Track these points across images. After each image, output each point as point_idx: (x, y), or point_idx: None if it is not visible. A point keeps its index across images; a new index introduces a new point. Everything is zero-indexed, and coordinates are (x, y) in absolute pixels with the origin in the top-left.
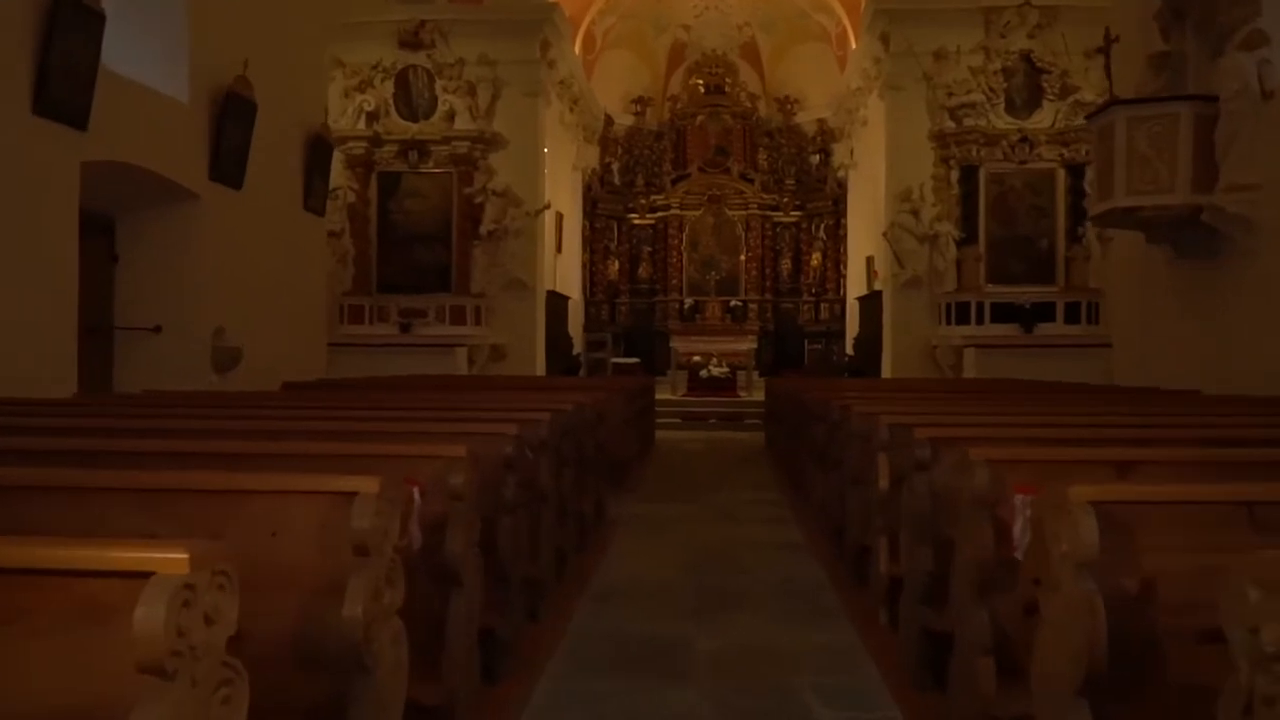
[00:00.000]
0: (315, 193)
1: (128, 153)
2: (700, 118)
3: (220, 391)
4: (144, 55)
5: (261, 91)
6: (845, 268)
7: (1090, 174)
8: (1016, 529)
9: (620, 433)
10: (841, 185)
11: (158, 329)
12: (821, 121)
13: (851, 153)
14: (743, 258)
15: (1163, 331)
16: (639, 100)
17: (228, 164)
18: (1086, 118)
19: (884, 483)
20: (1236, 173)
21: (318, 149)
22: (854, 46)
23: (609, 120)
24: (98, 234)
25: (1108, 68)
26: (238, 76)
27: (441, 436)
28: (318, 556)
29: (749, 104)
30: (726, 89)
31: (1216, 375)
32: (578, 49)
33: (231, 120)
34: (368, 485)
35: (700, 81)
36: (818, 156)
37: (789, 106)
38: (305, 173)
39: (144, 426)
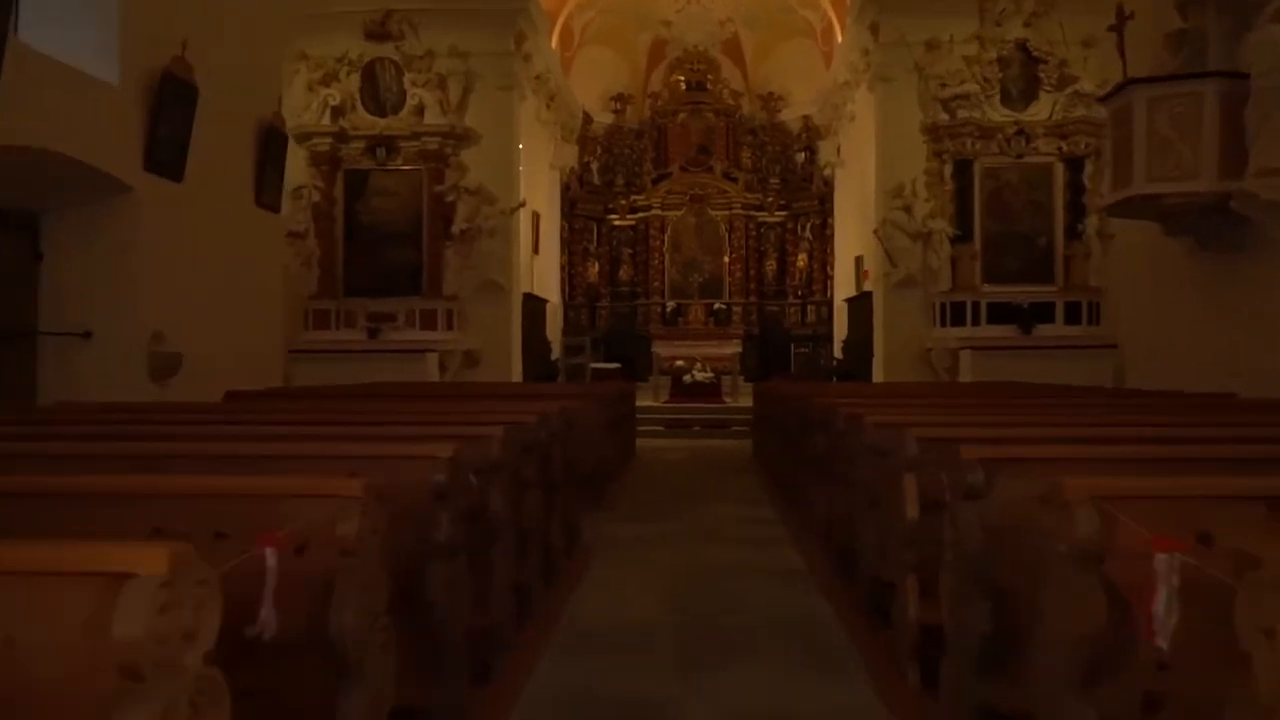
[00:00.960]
0: (269, 188)
1: (47, 137)
2: (682, 115)
3: (147, 403)
4: (68, 32)
5: (205, 75)
6: (832, 269)
7: (1090, 168)
8: (1157, 603)
9: (596, 444)
10: (828, 184)
11: (88, 334)
12: (807, 118)
13: (838, 150)
14: (726, 259)
15: (1181, 330)
16: (619, 98)
17: (165, 154)
18: (1100, 99)
19: (912, 511)
20: (1269, 156)
21: (271, 141)
22: (840, 41)
23: (588, 118)
24: (19, 230)
25: (1121, 47)
26: (175, 57)
27: (355, 462)
28: (77, 677)
29: (732, 101)
30: (709, 86)
31: (1244, 376)
32: (554, 43)
33: (169, 105)
34: (153, 562)
35: (681, 78)
36: (803, 154)
37: (773, 103)
38: (257, 166)
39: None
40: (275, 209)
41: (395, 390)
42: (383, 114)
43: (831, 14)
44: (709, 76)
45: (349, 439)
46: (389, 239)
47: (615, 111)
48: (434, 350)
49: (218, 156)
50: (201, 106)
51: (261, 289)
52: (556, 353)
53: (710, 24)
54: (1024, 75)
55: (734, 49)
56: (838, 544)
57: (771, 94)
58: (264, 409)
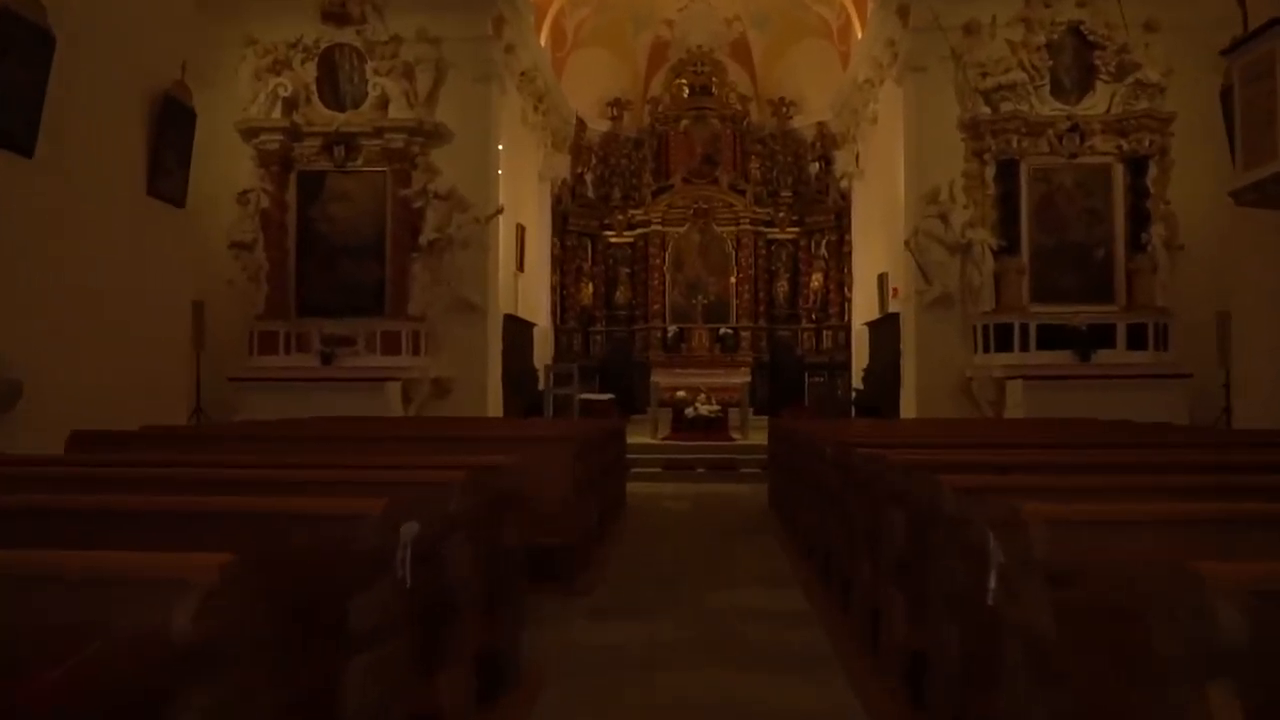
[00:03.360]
0: (168, 174)
1: None
2: (685, 123)
3: None
4: None
5: (65, 21)
6: (850, 290)
7: (1154, 169)
8: None
9: (564, 508)
10: (845, 197)
11: None
12: (821, 125)
13: (857, 158)
14: (733, 280)
15: None
16: (616, 103)
17: (6, 118)
18: (1223, 52)
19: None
20: None
21: (172, 116)
22: (860, 37)
23: (581, 125)
24: None
25: None
26: None
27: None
28: None
29: (739, 107)
30: (714, 90)
31: None
32: (544, 39)
33: (9, 53)
34: None
35: (685, 82)
36: (817, 165)
37: (784, 110)
38: (151, 146)
39: None
40: (178, 201)
41: (318, 431)
42: (341, 107)
43: (850, 8)
44: (714, 80)
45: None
46: (348, 251)
47: (612, 118)
48: (396, 379)
49: (89, 130)
50: (65, 64)
51: (163, 301)
52: (546, 382)
53: (716, 23)
54: (1077, 63)
55: (742, 50)
56: (918, 671)
57: (783, 99)
58: (117, 458)
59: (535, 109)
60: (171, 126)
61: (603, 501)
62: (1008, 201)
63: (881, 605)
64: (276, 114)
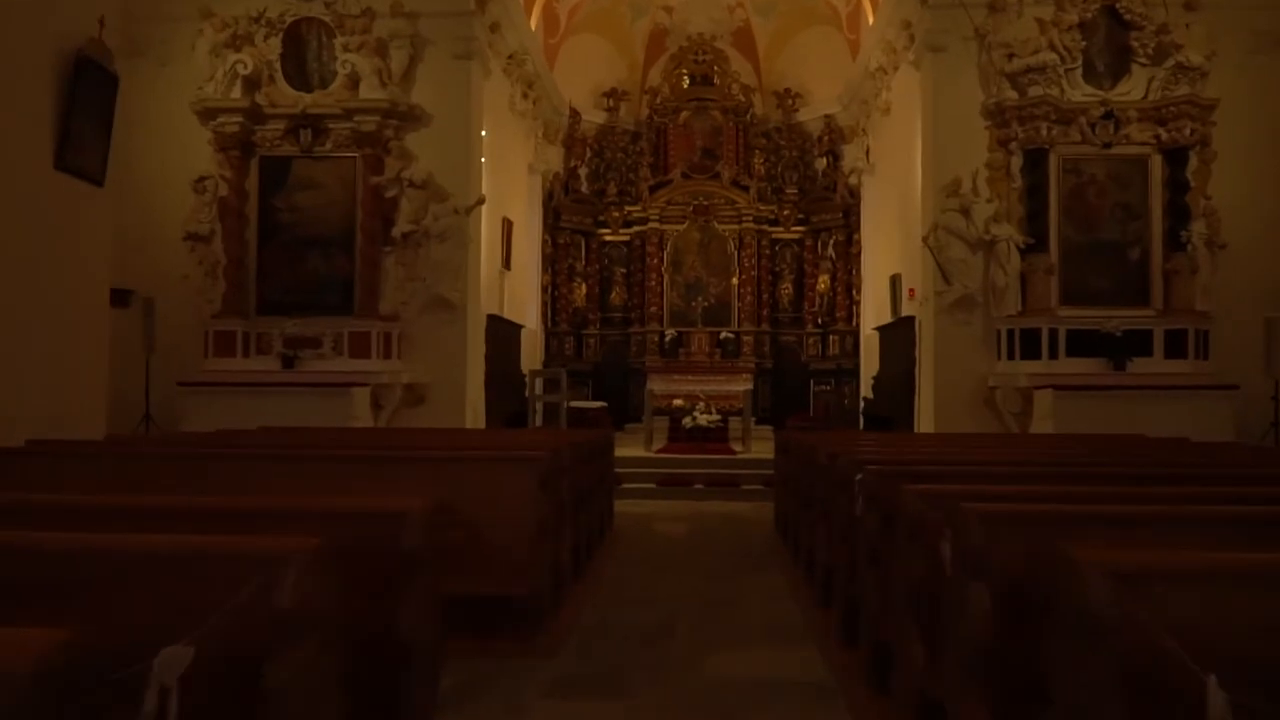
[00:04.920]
0: (81, 146)
1: None
2: (684, 114)
3: None
4: None
5: None
6: (859, 292)
7: (1195, 160)
8: None
9: (528, 544)
10: (854, 194)
11: None
12: (829, 118)
13: (867, 153)
14: (735, 281)
15: None
16: (612, 94)
17: None
18: None
19: None
20: None
21: (88, 79)
22: (871, 22)
23: (575, 116)
24: None
25: None
26: None
27: None
28: None
29: (742, 98)
30: (715, 81)
31: None
32: (534, 25)
33: None
34: None
35: (685, 72)
36: (825, 160)
37: (790, 102)
38: (59, 113)
39: None
40: (96, 178)
41: (230, 447)
42: (308, 87)
43: None
44: (716, 70)
45: None
46: (314, 243)
47: (607, 109)
48: (365, 384)
49: None
50: None
51: (75, 296)
52: (537, 388)
53: (718, 10)
54: (1112, 44)
55: (745, 39)
56: None
57: (788, 90)
58: None
59: (524, 96)
60: (87, 92)
61: (581, 532)
62: (1035, 195)
63: (947, 706)
64: (236, 93)
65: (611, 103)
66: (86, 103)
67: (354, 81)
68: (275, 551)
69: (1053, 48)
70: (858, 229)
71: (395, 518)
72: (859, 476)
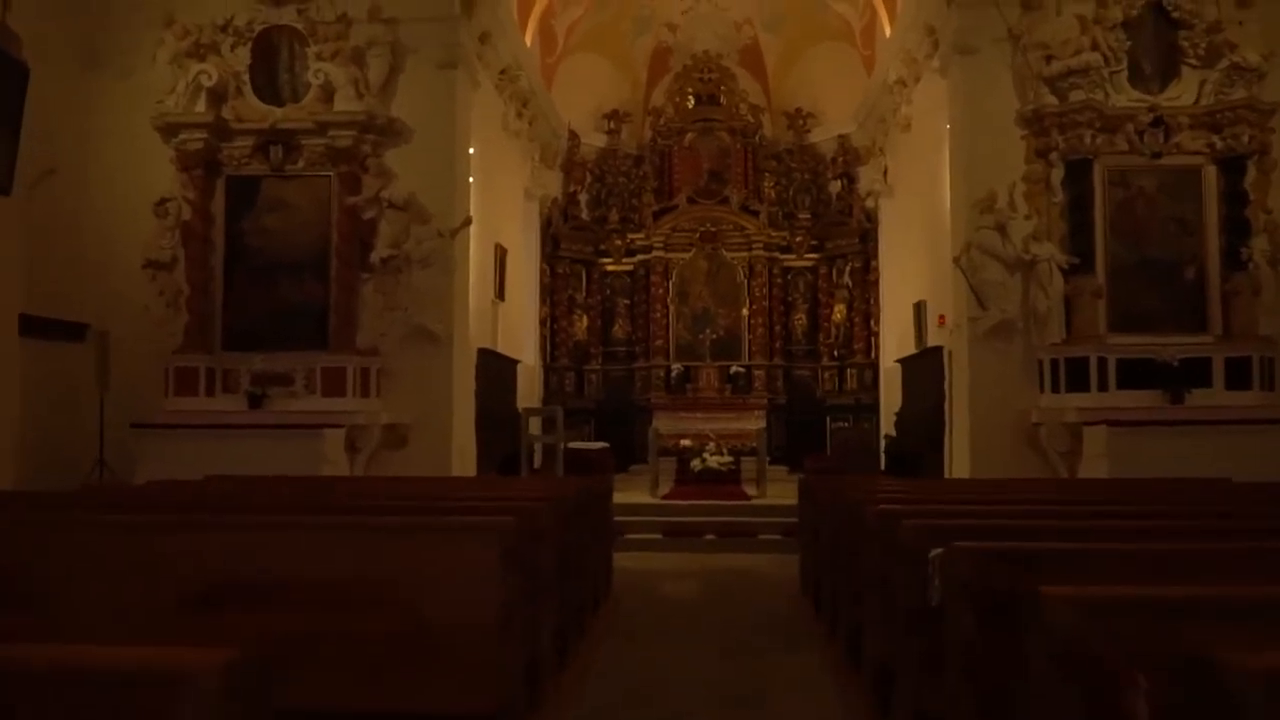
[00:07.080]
0: None
1: None
2: (690, 136)
3: None
4: None
5: None
6: (878, 322)
7: (1254, 171)
8: None
9: (487, 641)
10: (871, 218)
11: None
12: (843, 139)
13: (885, 173)
14: (745, 312)
15: None
16: (613, 115)
17: None
18: None
19: None
20: None
21: None
22: (889, 34)
23: (574, 138)
24: None
25: None
26: None
27: None
28: None
29: (750, 119)
30: (722, 101)
31: None
32: (530, 42)
33: None
34: None
35: (690, 92)
36: (839, 183)
37: (801, 122)
38: None
39: None
40: (3, 188)
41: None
42: (279, 100)
43: (877, 3)
44: (722, 89)
45: None
46: (285, 270)
47: (608, 132)
48: (339, 425)
49: None
50: None
51: None
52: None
53: (724, 27)
54: (1160, 44)
55: (753, 56)
56: None
57: (799, 110)
58: None
59: (519, 115)
60: None
61: (569, 605)
62: (1078, 210)
63: None
64: (200, 107)
65: (613, 125)
66: None
67: (328, 93)
68: None
69: (1095, 48)
70: (875, 255)
71: (168, 687)
72: (936, 552)
